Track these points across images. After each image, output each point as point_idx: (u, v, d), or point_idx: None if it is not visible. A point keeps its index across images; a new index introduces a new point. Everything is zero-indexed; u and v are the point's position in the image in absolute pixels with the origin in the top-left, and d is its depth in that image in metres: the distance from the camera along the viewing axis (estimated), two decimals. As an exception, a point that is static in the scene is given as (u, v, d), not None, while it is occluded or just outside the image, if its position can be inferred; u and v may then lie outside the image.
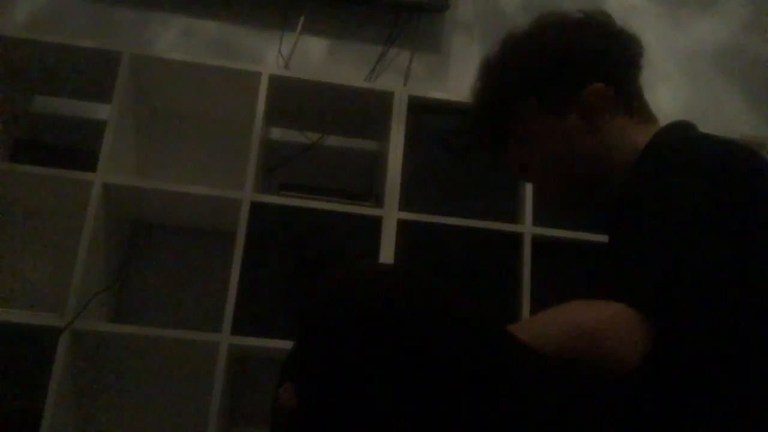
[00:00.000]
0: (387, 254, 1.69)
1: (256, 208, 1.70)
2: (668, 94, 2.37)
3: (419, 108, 1.86)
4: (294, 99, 1.91)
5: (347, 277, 0.75)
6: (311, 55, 2.24)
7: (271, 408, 0.92)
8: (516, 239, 1.78)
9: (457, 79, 2.28)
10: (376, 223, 1.73)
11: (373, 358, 0.70)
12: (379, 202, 1.80)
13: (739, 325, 0.76)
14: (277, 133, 2.12)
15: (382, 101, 1.87)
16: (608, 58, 1.02)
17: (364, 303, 0.71)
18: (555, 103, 1.01)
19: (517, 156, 1.07)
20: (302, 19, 2.22)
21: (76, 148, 1.83)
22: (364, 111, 1.95)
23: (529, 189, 1.80)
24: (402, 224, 1.73)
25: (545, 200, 1.09)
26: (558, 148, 1.02)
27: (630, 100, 1.02)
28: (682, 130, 0.98)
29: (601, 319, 0.75)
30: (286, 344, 1.55)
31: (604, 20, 1.06)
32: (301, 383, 0.77)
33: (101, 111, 2.03)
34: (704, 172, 0.83)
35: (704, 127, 1.02)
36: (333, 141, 2.14)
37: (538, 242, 1.77)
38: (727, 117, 2.39)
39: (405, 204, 1.75)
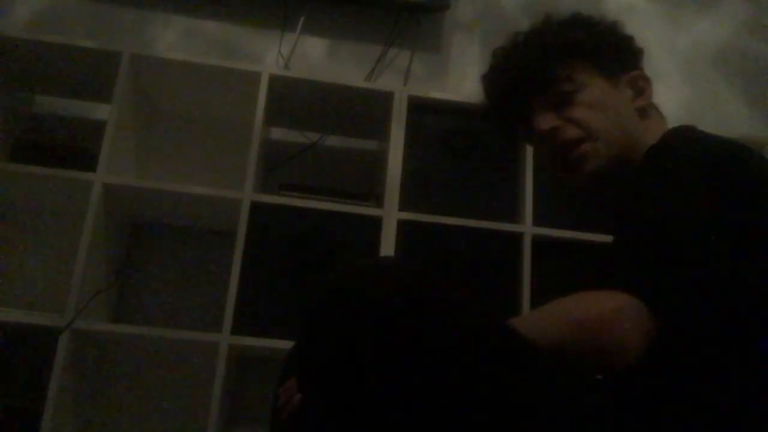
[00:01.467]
0: (387, 255, 1.69)
1: (256, 208, 1.70)
2: (668, 94, 2.36)
3: (419, 108, 1.86)
4: (294, 99, 1.91)
5: (350, 273, 0.76)
6: (311, 55, 2.24)
7: (271, 408, 0.92)
8: (516, 239, 1.78)
9: (457, 79, 2.28)
10: (376, 223, 1.73)
11: (377, 353, 0.70)
12: (379, 202, 1.80)
13: (741, 317, 0.76)
14: (277, 133, 2.12)
15: (382, 101, 1.87)
16: (641, 53, 1.09)
17: (367, 299, 0.72)
18: (612, 72, 1.04)
19: (551, 116, 1.03)
20: (302, 19, 2.22)
21: (76, 148, 1.83)
22: (364, 111, 1.95)
23: (529, 189, 1.80)
24: (402, 224, 1.73)
25: (562, 167, 1.06)
26: (611, 108, 1.02)
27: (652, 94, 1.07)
28: (689, 129, 1.01)
29: (604, 310, 0.75)
30: (286, 344, 1.55)
31: (607, 20, 1.10)
32: (304, 379, 0.77)
33: (101, 111, 2.03)
34: (707, 169, 0.84)
35: (704, 127, 1.03)
36: (333, 141, 2.14)
37: (538, 242, 1.77)
38: (727, 117, 2.39)
39: (405, 204, 1.75)
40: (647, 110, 1.05)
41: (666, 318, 0.75)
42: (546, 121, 1.02)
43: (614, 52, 1.06)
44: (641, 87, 1.05)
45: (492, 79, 1.10)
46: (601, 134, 1.00)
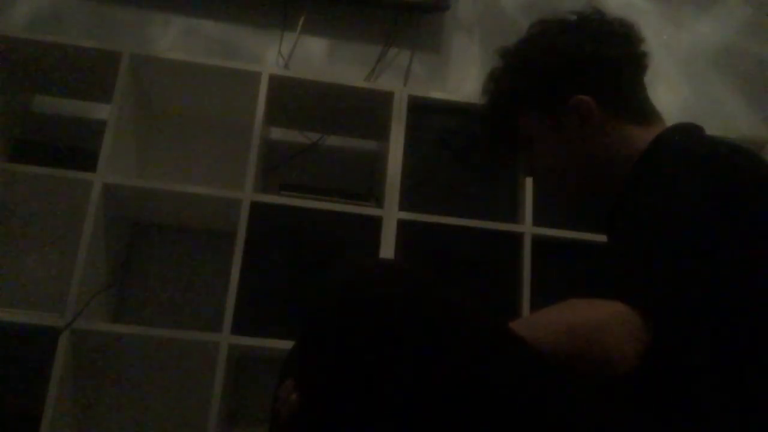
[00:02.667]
0: (387, 254, 1.69)
1: (256, 208, 1.70)
2: (668, 94, 2.37)
3: (419, 108, 1.86)
4: (294, 99, 1.91)
5: (350, 273, 0.75)
6: (311, 55, 2.24)
7: (272, 407, 0.92)
8: (516, 239, 1.78)
9: (457, 79, 2.28)
10: (376, 223, 1.73)
11: (376, 354, 0.70)
12: (379, 202, 1.80)
13: (738, 324, 0.76)
14: (277, 133, 2.12)
15: (382, 101, 1.87)
16: (597, 64, 1.03)
17: (367, 299, 0.72)
18: (549, 114, 1.05)
19: (526, 162, 1.12)
20: (302, 19, 2.22)
21: (76, 148, 1.83)
22: (364, 111, 1.95)
23: (529, 189, 1.80)
24: (402, 224, 1.73)
25: (554, 200, 1.13)
26: (559, 155, 1.05)
27: (626, 102, 1.03)
28: (684, 132, 0.99)
29: (600, 318, 0.75)
30: (286, 344, 1.55)
31: (597, 22, 1.07)
32: (302, 380, 0.77)
33: (101, 111, 2.03)
34: (703, 173, 0.84)
35: (704, 127, 1.02)
36: (333, 141, 2.14)
37: (538, 242, 1.77)
38: (727, 117, 2.39)
39: (405, 204, 1.75)
40: (609, 125, 1.02)
41: (661, 326, 0.74)
42: (522, 165, 1.13)
43: (549, 95, 1.05)
44: (583, 112, 1.02)
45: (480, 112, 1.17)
46: (555, 181, 1.08)
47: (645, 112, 1.04)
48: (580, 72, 1.03)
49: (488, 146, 1.21)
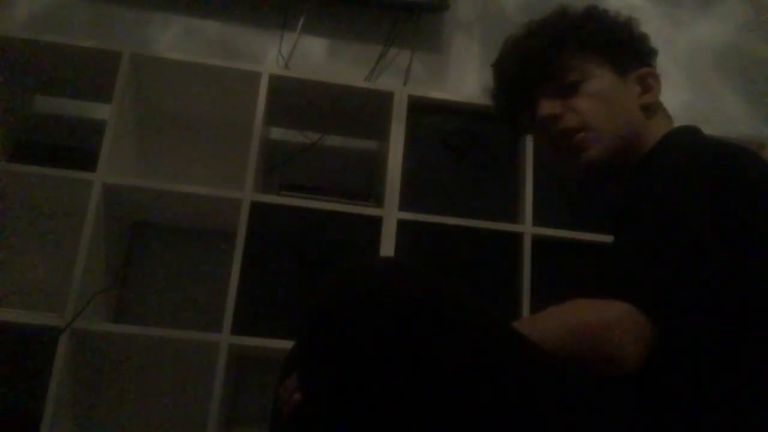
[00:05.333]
0: (387, 254, 1.69)
1: (256, 208, 1.70)
2: (668, 94, 2.34)
3: (419, 108, 1.86)
4: (294, 99, 1.91)
5: (352, 271, 0.75)
6: (311, 55, 2.24)
7: (273, 405, 0.92)
8: (516, 239, 1.78)
9: (457, 79, 2.28)
10: (376, 223, 1.73)
11: (378, 351, 0.69)
12: (379, 202, 1.80)
13: (743, 324, 0.76)
14: (277, 133, 2.12)
15: (382, 101, 1.87)
16: (648, 44, 1.09)
17: (369, 297, 0.71)
18: (622, 67, 1.04)
19: (554, 103, 1.03)
20: (302, 19, 2.22)
21: (76, 148, 1.83)
22: (364, 111, 1.95)
23: (529, 189, 1.80)
24: (402, 224, 1.73)
25: (562, 161, 1.06)
26: (615, 100, 1.02)
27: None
28: (691, 133, 1.00)
29: (605, 319, 0.75)
30: (286, 344, 1.55)
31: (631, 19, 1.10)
32: (304, 378, 0.77)
33: (101, 111, 2.03)
34: (708, 173, 0.84)
35: (704, 127, 1.03)
36: (333, 141, 2.14)
37: (538, 242, 1.77)
38: (727, 117, 2.39)
39: (405, 204, 1.75)
40: (653, 108, 1.04)
41: (665, 326, 0.74)
42: (548, 108, 1.02)
43: (626, 48, 1.05)
44: (649, 84, 1.04)
45: (502, 64, 1.10)
46: (600, 126, 1.00)
47: (665, 109, 1.08)
48: (648, 46, 1.08)
49: (506, 107, 1.11)
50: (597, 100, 1.01)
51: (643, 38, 1.08)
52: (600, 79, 1.02)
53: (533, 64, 1.04)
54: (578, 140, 1.00)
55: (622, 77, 1.03)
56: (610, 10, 1.09)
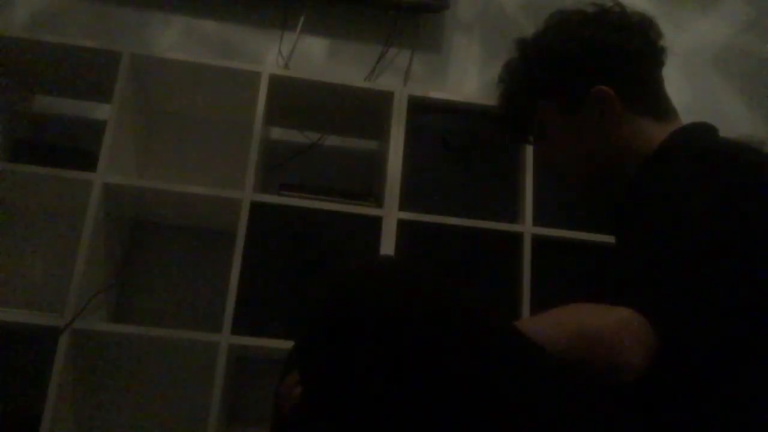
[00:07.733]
0: (387, 254, 1.69)
1: (256, 208, 1.70)
2: (668, 93, 2.36)
3: (419, 108, 1.86)
4: (294, 99, 1.91)
5: (353, 270, 0.75)
6: (311, 55, 2.24)
7: (274, 403, 0.92)
8: (516, 239, 1.78)
9: (457, 79, 2.28)
10: (376, 223, 1.73)
11: (379, 349, 0.69)
12: (379, 202, 1.80)
13: (747, 331, 0.76)
14: (277, 133, 2.12)
15: (382, 101, 1.87)
16: (618, 55, 1.03)
17: (370, 297, 0.71)
18: (567, 104, 1.04)
19: (540, 152, 1.12)
20: (302, 19, 2.22)
21: (76, 148, 1.83)
22: (364, 111, 1.95)
23: (529, 189, 1.80)
24: (402, 224, 1.73)
25: (566, 190, 1.12)
26: (573, 146, 1.05)
27: (643, 96, 1.04)
28: (700, 132, 0.99)
29: (607, 325, 0.73)
30: (286, 344, 1.55)
31: (618, 14, 1.06)
32: (305, 375, 0.77)
33: (101, 111, 2.03)
34: (714, 178, 0.82)
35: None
36: (333, 141, 2.14)
37: (538, 242, 1.77)
38: (727, 117, 2.39)
39: (405, 204, 1.75)
40: (626, 118, 1.01)
41: (668, 332, 0.73)
42: (536, 159, 1.13)
43: (568, 82, 1.03)
44: (605, 103, 1.01)
45: (497, 99, 1.17)
46: (564, 170, 1.08)
47: (661, 108, 1.05)
48: (601, 62, 1.03)
49: (502, 137, 1.21)
50: (557, 148, 1.07)
51: (598, 50, 1.03)
52: (552, 127, 1.07)
53: (504, 116, 1.14)
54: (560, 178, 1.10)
55: (573, 114, 1.03)
56: (570, 21, 1.06)
